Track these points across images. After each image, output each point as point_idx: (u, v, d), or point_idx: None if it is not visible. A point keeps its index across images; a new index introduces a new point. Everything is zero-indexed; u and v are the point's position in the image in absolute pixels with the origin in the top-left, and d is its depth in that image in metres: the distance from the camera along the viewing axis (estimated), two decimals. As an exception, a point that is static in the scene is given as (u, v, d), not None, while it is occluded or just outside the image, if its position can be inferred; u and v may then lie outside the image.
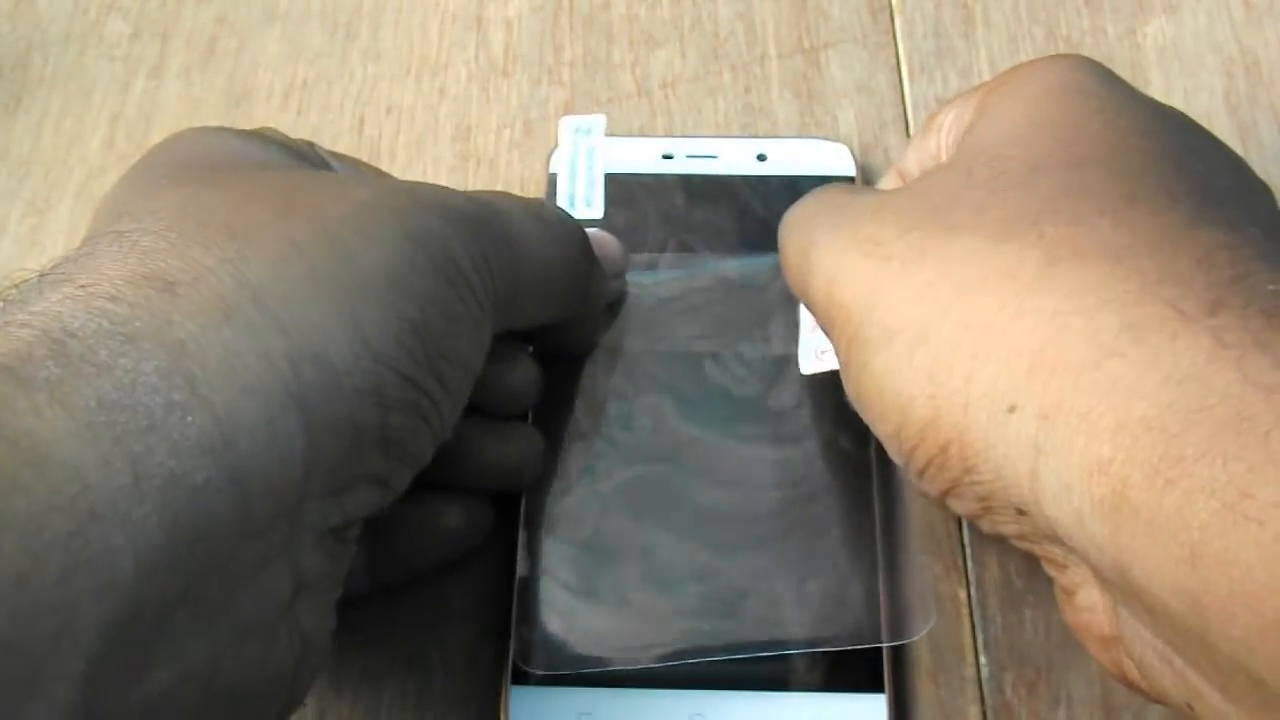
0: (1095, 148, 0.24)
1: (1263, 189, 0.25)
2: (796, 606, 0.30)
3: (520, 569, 0.31)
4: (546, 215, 0.29)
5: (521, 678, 0.30)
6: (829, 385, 0.32)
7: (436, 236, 0.25)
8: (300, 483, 0.22)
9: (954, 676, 0.31)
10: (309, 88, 0.40)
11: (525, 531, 0.31)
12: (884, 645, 0.29)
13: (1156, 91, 0.38)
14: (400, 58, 0.41)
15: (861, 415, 0.26)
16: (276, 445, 0.21)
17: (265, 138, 0.28)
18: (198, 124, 0.39)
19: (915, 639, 0.29)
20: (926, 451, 0.24)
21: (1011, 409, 0.22)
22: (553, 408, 0.32)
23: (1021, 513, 0.23)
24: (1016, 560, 0.32)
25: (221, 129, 0.28)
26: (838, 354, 0.27)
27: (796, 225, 0.29)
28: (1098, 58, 0.27)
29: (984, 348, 0.22)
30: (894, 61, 0.40)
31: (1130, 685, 0.24)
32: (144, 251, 0.22)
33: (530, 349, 0.32)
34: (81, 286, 0.21)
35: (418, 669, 0.31)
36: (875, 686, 0.29)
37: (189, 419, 0.20)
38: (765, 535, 0.31)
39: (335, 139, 0.39)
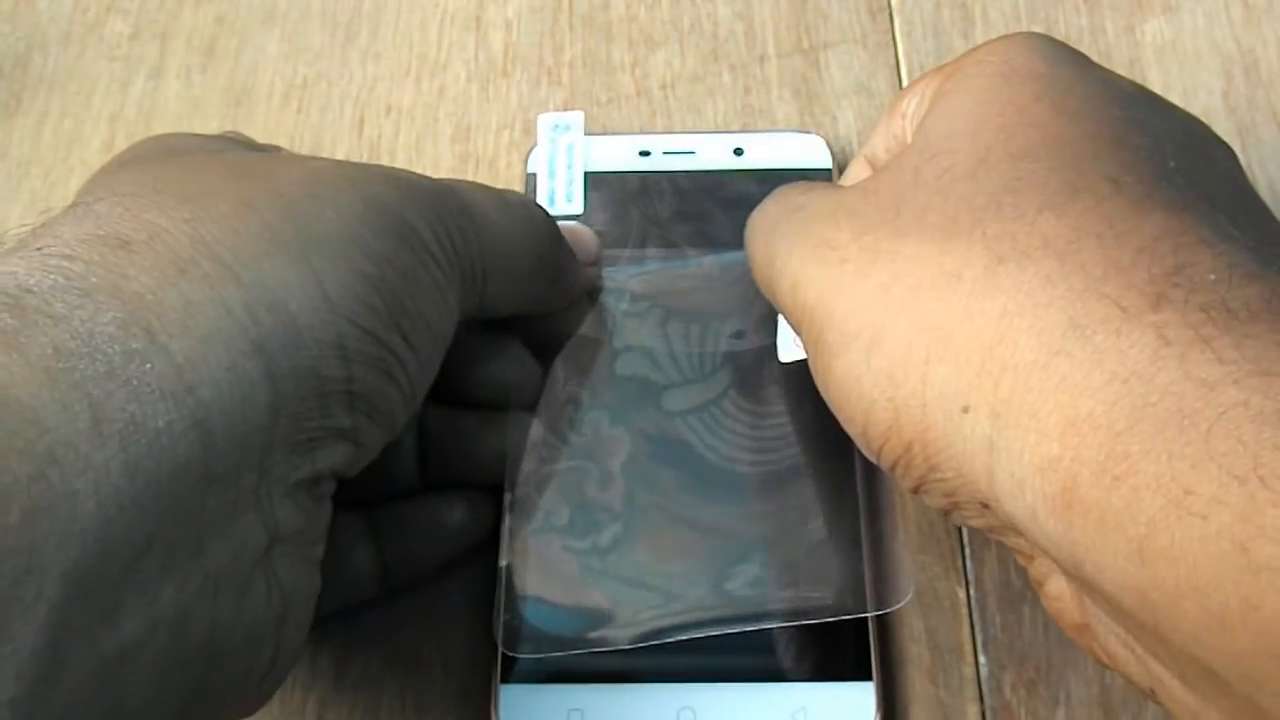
0: (1038, 137, 0.24)
1: (1218, 154, 0.26)
2: (779, 581, 0.30)
3: (503, 555, 0.31)
4: (508, 197, 0.29)
5: (511, 676, 0.30)
6: (807, 372, 0.32)
7: (391, 202, 0.25)
8: (267, 430, 0.22)
9: (953, 676, 0.31)
10: (309, 88, 0.40)
11: (509, 517, 0.31)
12: (869, 615, 0.29)
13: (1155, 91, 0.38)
14: (400, 58, 0.41)
15: (833, 413, 0.27)
16: (239, 390, 0.21)
17: (230, 139, 0.28)
18: (197, 124, 0.40)
19: (897, 608, 0.29)
20: (893, 450, 0.24)
21: (965, 409, 0.22)
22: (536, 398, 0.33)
23: (986, 507, 0.23)
24: (1015, 560, 0.32)
25: (187, 132, 0.29)
26: (807, 354, 0.27)
27: (759, 230, 0.29)
28: (1095, 56, 0.27)
29: (936, 350, 0.23)
30: (893, 62, 0.40)
31: (1109, 667, 0.24)
32: (99, 216, 0.22)
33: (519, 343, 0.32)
34: (38, 249, 0.21)
35: (417, 670, 0.31)
36: (863, 675, 0.29)
37: (148, 365, 0.20)
38: (747, 515, 0.31)
39: (335, 139, 0.39)
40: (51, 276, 0.21)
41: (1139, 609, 0.19)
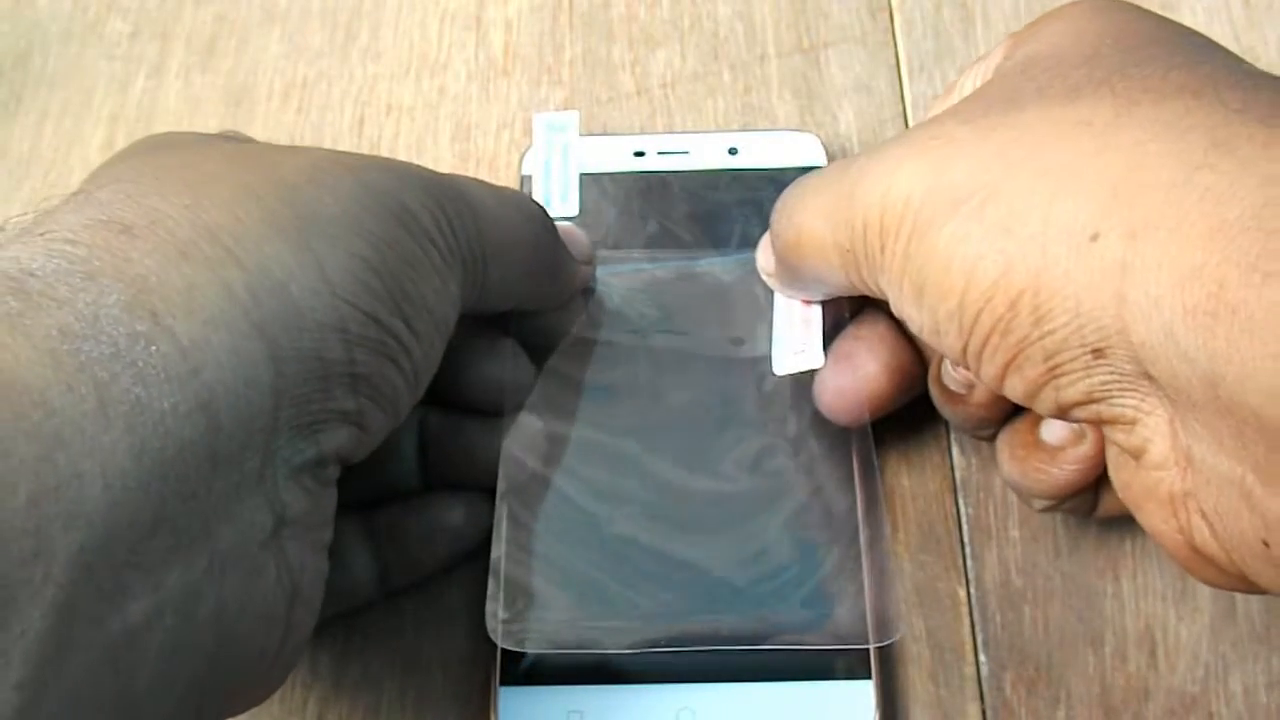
0: (1147, 38, 0.25)
1: None
2: (775, 602, 0.30)
3: (496, 550, 0.30)
4: (502, 189, 0.30)
5: (510, 677, 0.30)
6: (805, 385, 0.32)
7: (390, 188, 0.25)
8: (270, 412, 0.22)
9: (953, 675, 0.31)
10: (309, 87, 0.40)
11: (505, 517, 0.31)
12: (871, 646, 0.29)
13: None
14: (400, 58, 0.41)
15: (916, 311, 0.26)
16: (243, 372, 0.21)
17: (229, 137, 0.28)
18: (198, 124, 0.40)
19: (890, 642, 0.29)
20: (992, 315, 0.24)
21: (1094, 237, 0.22)
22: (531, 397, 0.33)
23: (1098, 355, 0.23)
24: (1016, 559, 0.32)
25: (188, 131, 0.29)
26: (889, 264, 0.26)
27: (808, 188, 0.29)
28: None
29: (1063, 186, 0.23)
30: (893, 61, 0.40)
31: (1193, 557, 0.24)
32: (100, 203, 0.22)
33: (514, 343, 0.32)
34: (40, 235, 0.21)
35: (417, 670, 0.31)
36: (862, 673, 0.29)
37: (153, 348, 0.20)
38: (737, 529, 0.31)
39: (335, 139, 0.39)
40: (55, 260, 0.21)
41: None
